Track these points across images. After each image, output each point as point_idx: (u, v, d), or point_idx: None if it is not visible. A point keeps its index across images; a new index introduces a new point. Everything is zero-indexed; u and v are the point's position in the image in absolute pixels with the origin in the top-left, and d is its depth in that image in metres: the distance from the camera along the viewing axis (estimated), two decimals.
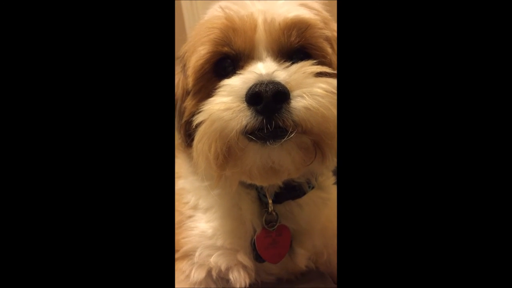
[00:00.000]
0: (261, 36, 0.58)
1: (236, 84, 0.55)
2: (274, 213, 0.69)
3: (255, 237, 0.69)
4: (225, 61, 0.61)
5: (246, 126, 0.53)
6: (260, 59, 0.59)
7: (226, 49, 0.59)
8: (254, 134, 0.53)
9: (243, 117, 0.53)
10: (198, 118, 0.56)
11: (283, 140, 0.53)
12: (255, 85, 0.52)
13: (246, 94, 0.53)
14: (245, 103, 0.53)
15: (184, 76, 0.65)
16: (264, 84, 0.52)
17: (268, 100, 0.51)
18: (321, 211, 0.73)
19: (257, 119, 0.52)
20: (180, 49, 0.68)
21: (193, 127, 0.58)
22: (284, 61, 0.59)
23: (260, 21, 0.58)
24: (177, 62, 0.68)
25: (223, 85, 0.56)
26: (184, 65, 0.66)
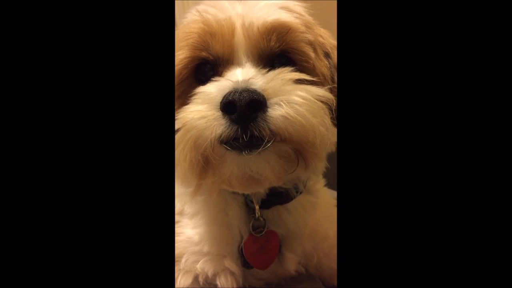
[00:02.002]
0: (239, 40, 0.54)
1: (211, 92, 0.51)
2: (261, 219, 0.66)
3: (242, 243, 0.66)
4: (205, 66, 0.57)
5: (221, 135, 0.49)
6: (239, 64, 0.55)
7: (204, 54, 0.56)
8: (229, 143, 0.50)
9: (217, 126, 0.49)
10: None
11: (259, 150, 0.49)
12: (230, 93, 0.48)
13: (220, 102, 0.49)
14: (220, 111, 0.49)
15: None
16: (238, 92, 0.48)
17: (242, 109, 0.48)
18: (309, 215, 0.70)
19: (232, 128, 0.49)
20: None
21: None
22: (265, 67, 0.55)
23: (238, 25, 0.54)
24: None
25: (198, 92, 0.53)
26: None
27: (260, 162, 0.51)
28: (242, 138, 0.49)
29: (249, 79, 0.50)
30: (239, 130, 0.48)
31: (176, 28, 0.61)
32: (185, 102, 0.57)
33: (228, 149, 0.50)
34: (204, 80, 0.56)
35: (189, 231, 0.68)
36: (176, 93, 0.58)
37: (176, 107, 0.58)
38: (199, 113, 0.50)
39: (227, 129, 0.49)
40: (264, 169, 0.52)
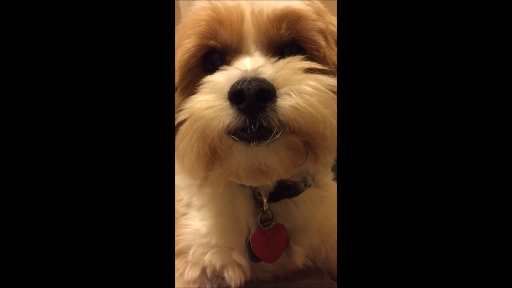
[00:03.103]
0: (248, 28, 0.52)
1: (219, 81, 0.49)
2: (269, 212, 0.63)
3: (250, 236, 0.63)
4: (213, 55, 0.54)
5: (228, 126, 0.46)
6: (248, 53, 0.52)
7: (212, 42, 0.53)
8: (237, 134, 0.47)
9: (225, 116, 0.46)
10: (179, 117, 0.50)
11: (268, 141, 0.46)
12: (238, 82, 0.46)
13: (228, 92, 0.46)
14: (228, 101, 0.46)
15: None
16: (247, 81, 0.45)
17: (251, 99, 0.45)
18: (318, 209, 0.67)
19: (240, 119, 0.46)
20: None
21: (175, 125, 0.51)
22: (274, 55, 0.52)
23: (247, 12, 0.51)
24: None
25: (206, 81, 0.50)
26: None
27: (269, 153, 0.48)
28: (251, 128, 0.46)
29: (258, 68, 0.48)
30: (247, 120, 0.46)
31: (180, 21, 0.58)
32: (192, 92, 0.54)
33: (236, 140, 0.47)
34: (212, 70, 0.54)
35: (197, 223, 0.65)
36: (184, 83, 0.56)
37: (183, 97, 0.55)
38: (207, 103, 0.48)
39: (235, 119, 0.46)
40: (273, 161, 0.49)
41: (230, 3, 0.52)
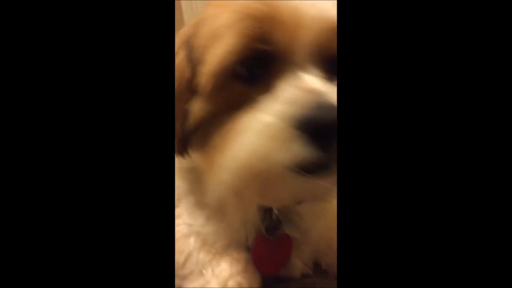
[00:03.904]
0: (306, 36, 0.42)
1: (286, 103, 0.40)
2: (277, 220, 0.58)
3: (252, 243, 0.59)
4: (252, 60, 0.44)
5: (296, 160, 0.39)
6: (299, 66, 0.43)
7: (260, 46, 0.42)
8: (302, 167, 0.39)
9: (293, 148, 0.38)
10: (223, 138, 0.41)
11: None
12: (314, 108, 0.38)
13: (299, 119, 0.38)
14: (298, 130, 0.38)
15: (189, 68, 0.47)
16: (324, 108, 0.37)
17: (328, 129, 0.37)
18: (319, 220, 0.63)
19: (311, 152, 0.38)
20: (181, 31, 0.49)
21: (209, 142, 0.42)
22: (327, 73, 0.44)
23: (308, 16, 0.42)
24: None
25: (266, 100, 0.41)
26: (190, 54, 0.47)
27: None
28: (320, 161, 0.39)
29: (329, 91, 0.40)
30: (319, 153, 0.39)
31: (181, 22, 0.47)
32: (220, 101, 0.45)
33: (298, 172, 0.40)
34: (248, 78, 0.44)
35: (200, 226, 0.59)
36: (213, 90, 0.45)
37: (209, 106, 0.45)
38: (269, 129, 0.39)
39: (305, 151, 0.38)
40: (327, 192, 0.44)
41: (286, 2, 0.42)
